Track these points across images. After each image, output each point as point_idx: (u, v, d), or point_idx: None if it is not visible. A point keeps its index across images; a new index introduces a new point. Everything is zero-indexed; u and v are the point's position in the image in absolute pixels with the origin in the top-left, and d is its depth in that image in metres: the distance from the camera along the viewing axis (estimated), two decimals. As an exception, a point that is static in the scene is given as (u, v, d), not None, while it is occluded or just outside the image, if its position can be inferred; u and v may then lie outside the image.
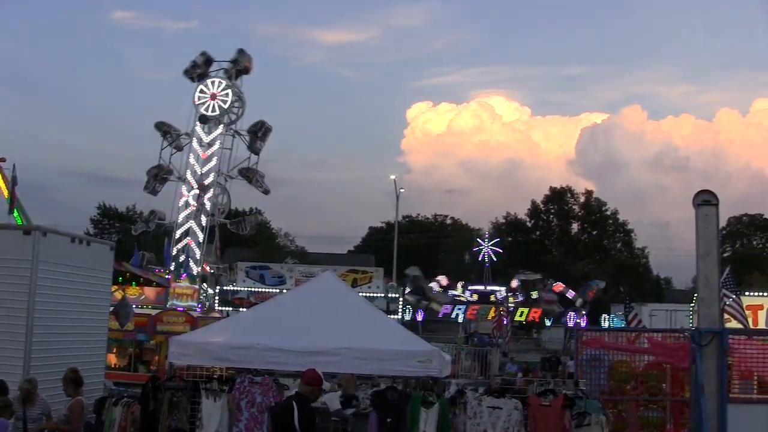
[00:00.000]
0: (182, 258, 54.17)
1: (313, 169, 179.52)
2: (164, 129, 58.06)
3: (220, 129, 57.61)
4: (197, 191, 56.34)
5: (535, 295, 62.16)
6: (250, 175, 58.23)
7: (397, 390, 15.26)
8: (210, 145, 57.68)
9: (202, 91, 57.50)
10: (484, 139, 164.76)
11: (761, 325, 31.23)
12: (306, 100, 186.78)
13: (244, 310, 41.84)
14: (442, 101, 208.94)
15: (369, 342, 15.30)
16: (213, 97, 57.62)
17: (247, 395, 14.72)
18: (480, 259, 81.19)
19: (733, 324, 26.14)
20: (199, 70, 58.53)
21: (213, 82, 57.92)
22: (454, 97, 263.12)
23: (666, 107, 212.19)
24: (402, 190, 76.53)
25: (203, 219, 56.26)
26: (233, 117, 58.77)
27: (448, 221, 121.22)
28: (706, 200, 15.48)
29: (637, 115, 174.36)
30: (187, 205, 56.45)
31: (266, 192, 59.62)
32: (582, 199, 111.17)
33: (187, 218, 56.21)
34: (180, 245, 55.38)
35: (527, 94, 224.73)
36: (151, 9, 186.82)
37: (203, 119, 57.22)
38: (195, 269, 53.08)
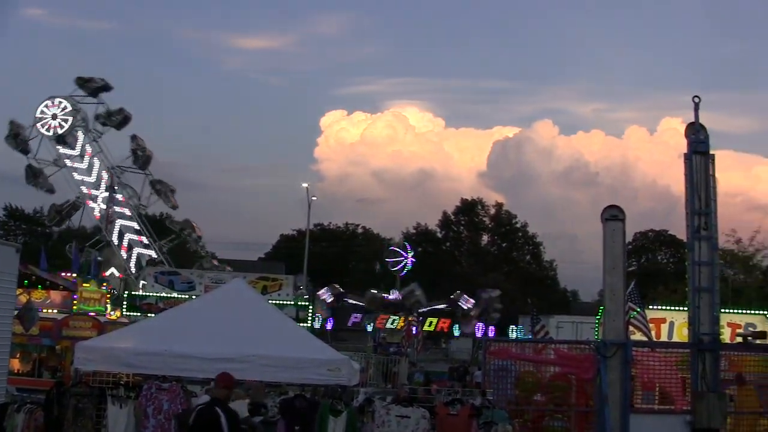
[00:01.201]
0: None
1: (227, 174, 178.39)
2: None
3: (81, 139, 59.09)
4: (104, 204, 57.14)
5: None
6: (160, 188, 58.56)
7: (306, 398, 15.26)
8: (82, 156, 59.46)
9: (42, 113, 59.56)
10: (397, 149, 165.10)
11: (664, 338, 31.86)
12: (223, 105, 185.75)
13: (153, 315, 41.34)
14: (356, 110, 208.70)
15: (278, 350, 15.26)
16: (54, 117, 59.42)
17: (154, 402, 14.58)
18: (398, 268, 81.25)
19: (638, 336, 26.65)
20: None
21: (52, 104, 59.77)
22: (369, 106, 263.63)
23: (577, 123, 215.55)
24: (314, 198, 76.33)
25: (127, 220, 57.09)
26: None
27: (360, 230, 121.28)
28: (613, 215, 15.82)
29: (548, 129, 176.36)
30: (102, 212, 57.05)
31: (174, 207, 60.32)
32: (492, 211, 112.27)
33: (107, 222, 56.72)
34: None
35: (441, 106, 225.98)
36: (63, 7, 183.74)
37: (60, 140, 59.03)
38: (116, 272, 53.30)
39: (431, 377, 41.64)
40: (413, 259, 76.44)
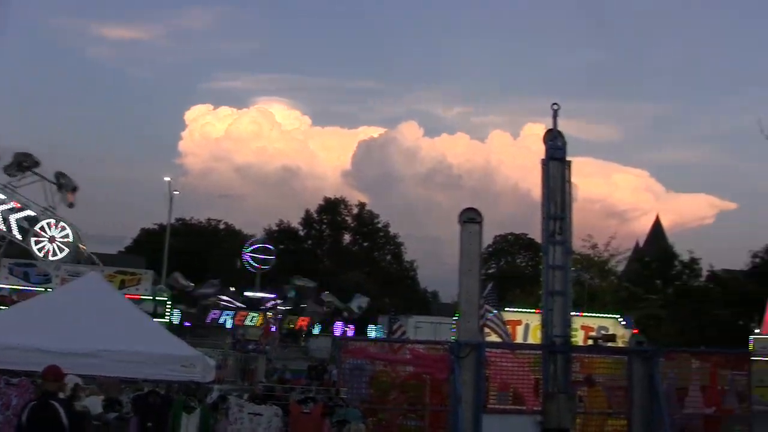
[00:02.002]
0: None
1: (88, 166, 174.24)
2: None
3: None
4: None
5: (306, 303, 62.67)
6: (63, 182, 57.35)
7: (159, 394, 15.05)
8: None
9: None
10: (262, 146, 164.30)
11: (519, 339, 32.47)
12: (85, 95, 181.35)
13: (5, 308, 40.20)
14: (222, 105, 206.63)
15: (131, 345, 14.98)
16: None
17: (3, 397, 14.18)
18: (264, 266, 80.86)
19: (494, 338, 27.11)
20: None
21: None
22: (236, 102, 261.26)
23: (441, 126, 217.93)
24: (176, 193, 75.31)
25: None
26: None
27: (222, 226, 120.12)
28: (471, 218, 16.02)
29: (413, 131, 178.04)
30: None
31: (70, 206, 58.88)
32: (355, 210, 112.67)
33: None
34: None
35: (308, 104, 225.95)
36: None
37: None
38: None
39: (285, 375, 41.59)
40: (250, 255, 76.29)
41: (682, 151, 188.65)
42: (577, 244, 71.49)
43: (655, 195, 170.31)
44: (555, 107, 15.93)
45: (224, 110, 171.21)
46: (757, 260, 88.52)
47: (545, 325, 15.93)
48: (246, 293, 65.28)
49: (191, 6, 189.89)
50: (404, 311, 69.54)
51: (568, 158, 16.04)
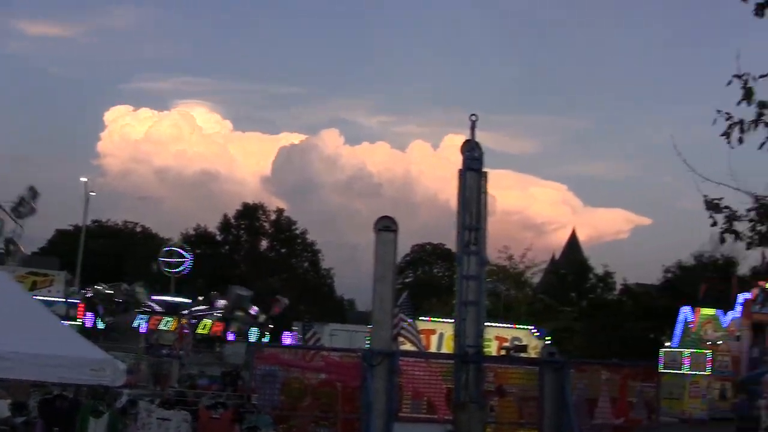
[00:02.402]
0: None
1: (3, 164, 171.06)
2: None
3: None
4: None
5: (241, 312, 62.40)
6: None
7: (67, 398, 14.81)
8: None
9: None
10: (182, 149, 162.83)
11: (434, 349, 32.61)
12: (5, 90, 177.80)
13: None
14: (143, 107, 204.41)
15: (39, 347, 14.68)
16: None
17: None
18: (182, 271, 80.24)
19: (408, 347, 27.17)
20: None
21: None
22: (156, 104, 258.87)
23: (363, 134, 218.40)
24: (93, 194, 74.47)
25: None
26: None
27: (138, 229, 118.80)
28: (386, 226, 16.05)
29: (334, 139, 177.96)
30: None
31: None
32: (273, 216, 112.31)
33: None
34: None
35: (230, 108, 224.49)
36: None
37: None
38: None
39: (203, 380, 41.25)
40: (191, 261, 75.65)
41: (599, 166, 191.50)
42: (494, 255, 72.27)
43: (573, 208, 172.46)
44: (473, 118, 16.04)
45: (144, 112, 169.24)
46: (669, 275, 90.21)
47: (458, 335, 16.01)
48: (161, 297, 64.63)
49: (115, 5, 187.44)
50: (321, 319, 69.45)
51: (485, 169, 16.18)
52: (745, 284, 68.52)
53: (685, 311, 68.63)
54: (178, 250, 73.52)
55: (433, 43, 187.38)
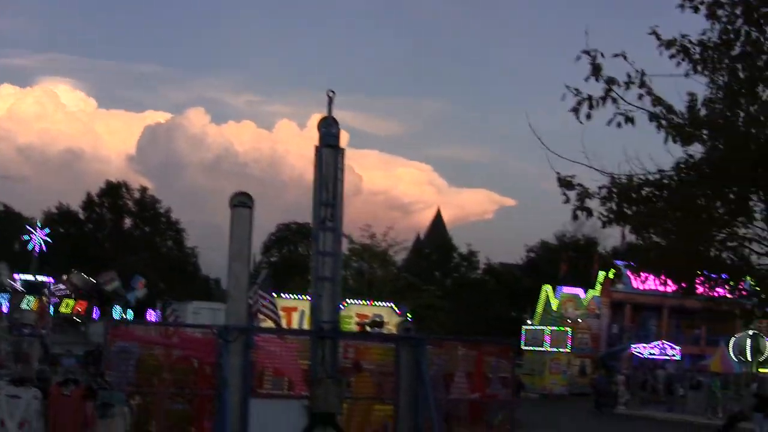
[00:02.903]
0: None
1: None
2: None
3: None
4: None
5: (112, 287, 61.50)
6: None
7: None
8: None
9: None
10: (45, 127, 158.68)
11: (295, 326, 32.58)
12: None
13: None
14: (4, 83, 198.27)
15: None
16: None
17: None
18: (32, 248, 78.53)
19: (269, 324, 27.05)
20: None
21: None
22: (18, 80, 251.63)
23: (229, 113, 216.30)
24: (-48, 172, 72.23)
25: None
26: None
27: (0, 208, 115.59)
28: (241, 202, 15.91)
29: (200, 117, 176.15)
30: None
31: None
32: (137, 195, 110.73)
33: None
34: None
35: (95, 86, 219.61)
36: None
37: None
38: None
39: (68, 360, 40.52)
40: (42, 239, 74.16)
41: (465, 147, 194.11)
42: (357, 234, 72.63)
43: (438, 189, 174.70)
44: (331, 94, 15.96)
45: (6, 88, 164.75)
46: (532, 255, 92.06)
47: (314, 311, 15.97)
48: (23, 276, 63.34)
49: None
50: (186, 297, 68.85)
51: (343, 147, 16.14)
52: (606, 264, 70.31)
53: (547, 290, 70.21)
54: (41, 228, 72.13)
55: (300, 21, 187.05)
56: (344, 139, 16.54)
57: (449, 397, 18.90)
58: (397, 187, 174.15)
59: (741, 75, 12.78)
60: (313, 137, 16.27)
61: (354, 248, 72.43)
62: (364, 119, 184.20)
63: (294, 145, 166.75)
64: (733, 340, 63.48)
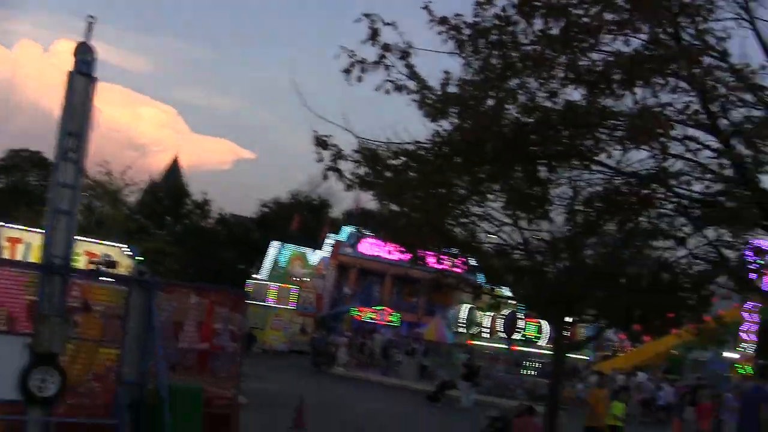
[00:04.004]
0: None
1: None
2: None
3: None
4: None
5: None
6: None
7: None
8: None
9: None
10: None
11: (20, 258, 31.24)
12: None
13: None
14: None
15: None
16: None
17: None
18: None
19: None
20: None
21: None
22: None
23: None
24: None
25: None
26: None
27: None
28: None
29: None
30: None
31: None
32: None
33: None
34: None
35: None
36: None
37: None
38: None
39: None
40: None
41: (213, 95, 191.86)
42: (93, 170, 70.49)
43: (179, 133, 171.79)
44: (90, 20, 15.26)
45: None
46: (266, 210, 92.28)
47: (46, 245, 15.26)
48: None
49: None
50: None
51: (96, 77, 15.47)
52: (337, 226, 71.49)
53: (276, 246, 70.64)
54: None
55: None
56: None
57: (178, 345, 18.63)
58: (138, 127, 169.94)
59: (494, 61, 13.13)
60: (55, 65, 15.48)
61: (88, 184, 70.33)
62: (115, 53, 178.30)
63: (33, 70, 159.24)
64: (450, 311, 66.35)
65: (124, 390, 16.06)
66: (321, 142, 13.02)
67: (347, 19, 12.79)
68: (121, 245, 48.81)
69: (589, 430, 25.18)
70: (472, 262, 20.20)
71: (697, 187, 15.46)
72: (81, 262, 37.99)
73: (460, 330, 63.33)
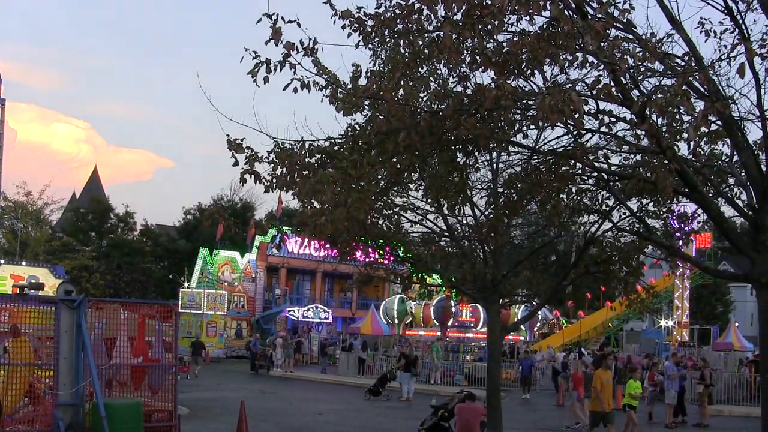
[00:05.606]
0: None
1: None
2: None
3: None
4: None
5: None
6: None
7: None
8: None
9: None
10: None
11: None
12: None
13: None
14: None
15: None
16: None
17: None
18: None
19: None
20: None
21: None
22: None
23: None
24: None
25: None
26: None
27: None
28: None
29: None
30: None
31: None
32: None
33: None
34: None
35: None
36: None
37: None
38: None
39: None
40: None
41: (126, 106, 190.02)
42: (12, 190, 69.34)
43: (96, 147, 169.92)
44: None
45: None
46: (189, 218, 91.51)
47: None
48: None
49: None
50: None
51: (4, 98, 15.29)
52: (261, 228, 71.25)
53: (204, 253, 70.28)
54: None
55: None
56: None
57: (112, 362, 18.48)
58: (54, 143, 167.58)
59: (403, 51, 13.22)
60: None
61: (8, 206, 69.34)
62: (22, 70, 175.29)
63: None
64: (383, 304, 66.67)
65: (60, 412, 15.92)
66: (234, 146, 12.99)
67: (253, 21, 12.80)
68: (47, 266, 48.13)
69: (594, 415, 24.94)
70: (400, 252, 20.33)
71: (616, 159, 15.80)
72: (7, 286, 37.49)
73: (394, 321, 63.76)
